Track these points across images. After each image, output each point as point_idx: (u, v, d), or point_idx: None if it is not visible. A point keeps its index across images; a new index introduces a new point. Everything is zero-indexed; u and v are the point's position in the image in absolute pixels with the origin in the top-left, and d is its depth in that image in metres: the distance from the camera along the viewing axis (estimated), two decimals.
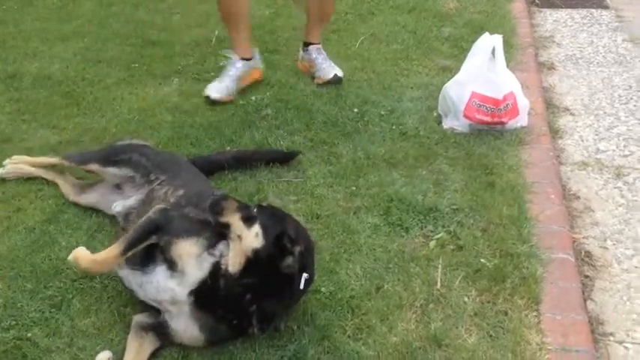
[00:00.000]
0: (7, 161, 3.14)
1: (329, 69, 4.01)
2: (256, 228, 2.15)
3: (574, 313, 2.42)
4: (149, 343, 2.22)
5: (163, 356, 2.23)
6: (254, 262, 2.14)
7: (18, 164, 3.15)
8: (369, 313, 2.39)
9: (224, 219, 2.18)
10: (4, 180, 3.12)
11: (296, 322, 2.33)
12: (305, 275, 2.16)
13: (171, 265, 2.21)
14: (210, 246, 2.21)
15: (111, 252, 2.22)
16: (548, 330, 2.33)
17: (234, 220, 2.17)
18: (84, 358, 2.19)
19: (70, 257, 2.22)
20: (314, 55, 4.06)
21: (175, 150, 3.31)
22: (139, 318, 2.29)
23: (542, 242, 2.74)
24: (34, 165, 3.13)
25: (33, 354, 2.22)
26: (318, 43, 4.10)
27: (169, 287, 2.21)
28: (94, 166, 2.89)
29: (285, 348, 2.24)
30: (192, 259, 2.19)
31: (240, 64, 3.93)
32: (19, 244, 2.71)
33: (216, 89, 3.85)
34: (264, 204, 2.33)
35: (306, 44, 4.10)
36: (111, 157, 2.87)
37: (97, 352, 2.19)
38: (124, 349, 2.20)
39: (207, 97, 3.83)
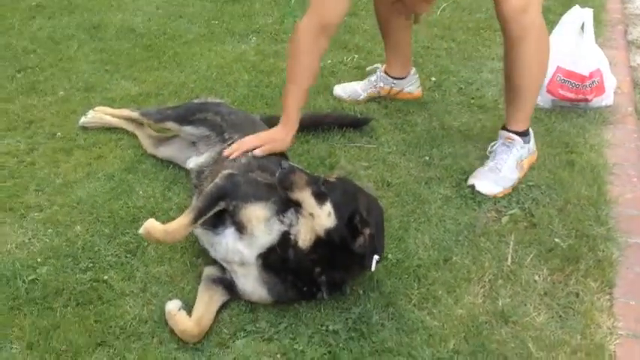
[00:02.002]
0: (90, 111, 3.24)
1: (486, 176, 2.86)
2: (328, 207, 2.15)
3: None
4: (219, 296, 2.28)
5: (231, 307, 2.29)
6: (325, 240, 2.15)
7: (99, 113, 3.24)
8: (436, 284, 2.38)
9: (294, 195, 2.18)
10: (85, 128, 3.23)
11: (362, 286, 2.34)
12: (376, 257, 2.13)
13: (240, 229, 2.25)
14: (280, 211, 2.23)
15: (181, 221, 2.24)
16: (621, 315, 2.27)
17: (306, 197, 2.17)
18: (156, 304, 2.27)
19: (142, 230, 2.23)
20: (495, 146, 2.96)
21: (250, 109, 3.34)
22: (210, 270, 2.34)
23: (619, 225, 2.66)
24: (115, 116, 3.22)
25: (108, 296, 2.31)
26: (512, 132, 2.91)
27: (238, 249, 2.25)
28: (170, 124, 2.94)
29: (349, 311, 2.26)
30: (262, 223, 2.22)
31: (382, 77, 3.51)
32: (98, 190, 2.81)
33: (342, 88, 3.56)
34: (332, 177, 2.27)
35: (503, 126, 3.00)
36: (187, 116, 2.91)
37: (170, 299, 2.26)
38: (194, 299, 2.27)
39: (336, 94, 3.56)
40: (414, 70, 3.54)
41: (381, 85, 3.50)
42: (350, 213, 2.13)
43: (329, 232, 2.14)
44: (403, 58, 3.47)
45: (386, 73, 3.50)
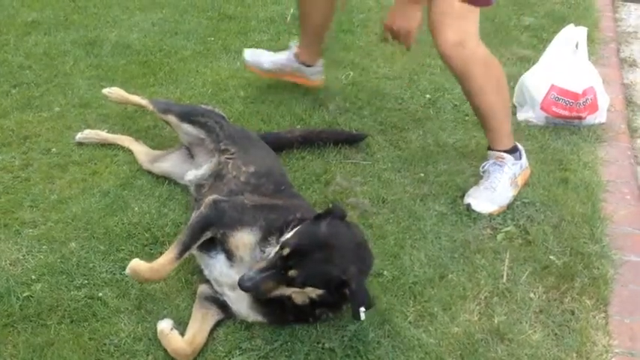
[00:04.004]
0: (106, 89, 3.26)
1: (482, 195, 2.87)
2: (309, 288, 2.10)
3: None
4: (213, 315, 2.27)
5: (227, 325, 2.28)
6: (319, 300, 2.15)
7: (94, 131, 3.25)
8: (432, 301, 2.38)
9: (275, 294, 2.13)
10: (81, 144, 3.22)
11: None
12: (362, 309, 2.05)
13: (230, 256, 2.25)
14: (264, 238, 2.22)
15: (167, 257, 2.22)
16: (616, 333, 2.28)
17: (285, 290, 2.12)
18: (151, 321, 2.25)
19: (128, 271, 2.22)
20: (487, 166, 2.96)
21: (246, 125, 3.34)
22: (204, 288, 2.34)
23: (614, 243, 2.68)
24: (127, 101, 3.25)
25: (102, 313, 2.30)
26: (500, 151, 2.92)
27: (230, 275, 2.25)
28: (171, 118, 2.96)
29: (345, 328, 2.25)
30: (249, 249, 2.23)
31: (293, 60, 3.61)
32: (93, 206, 2.80)
33: (252, 52, 3.67)
34: (290, 246, 2.08)
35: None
36: (190, 115, 2.94)
37: (164, 317, 2.26)
38: (189, 316, 2.26)
39: (244, 58, 3.69)
40: (322, 61, 3.64)
41: (294, 68, 3.61)
42: (335, 285, 2.07)
43: (321, 296, 2.13)
44: (316, 47, 3.56)
45: (296, 56, 3.58)
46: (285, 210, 2.35)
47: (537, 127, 3.41)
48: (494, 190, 2.84)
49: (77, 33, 4.42)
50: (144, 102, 3.14)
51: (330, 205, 2.23)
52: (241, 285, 2.06)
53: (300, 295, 2.14)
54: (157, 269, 2.20)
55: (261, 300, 2.21)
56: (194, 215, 2.38)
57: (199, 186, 2.70)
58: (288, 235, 2.15)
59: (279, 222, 2.25)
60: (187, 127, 2.91)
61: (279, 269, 2.07)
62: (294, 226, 2.20)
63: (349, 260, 2.09)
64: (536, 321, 2.31)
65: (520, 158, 2.92)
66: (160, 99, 3.27)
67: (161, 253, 2.45)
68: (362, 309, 2.05)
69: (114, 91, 3.24)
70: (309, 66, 3.61)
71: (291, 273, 2.05)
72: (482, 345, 2.21)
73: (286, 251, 2.06)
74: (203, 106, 3.21)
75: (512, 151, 2.91)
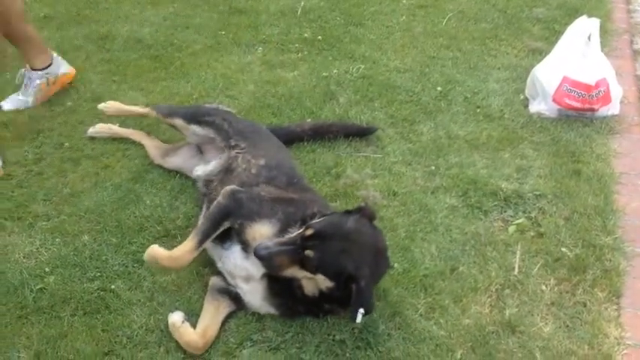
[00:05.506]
0: (102, 105, 3.26)
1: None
2: (320, 277, 2.10)
3: None
4: (224, 307, 2.29)
5: (238, 317, 2.30)
6: (328, 293, 2.15)
7: (106, 125, 3.27)
8: (443, 294, 2.38)
9: (286, 274, 2.13)
10: (93, 138, 3.24)
11: None
12: (361, 311, 2.05)
13: (246, 247, 2.26)
14: (283, 230, 2.23)
15: (186, 246, 2.24)
16: (628, 325, 2.27)
17: (297, 272, 2.13)
18: (163, 313, 2.28)
19: (146, 257, 2.23)
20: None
21: (256, 119, 3.35)
22: (216, 280, 2.35)
23: (626, 235, 2.66)
24: (126, 113, 3.25)
25: (115, 305, 2.32)
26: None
27: (245, 267, 2.27)
28: (178, 121, 2.96)
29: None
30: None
31: (34, 75, 3.54)
32: (106, 199, 2.82)
33: (11, 101, 3.55)
34: (314, 228, 2.10)
35: None
36: (196, 116, 2.94)
37: (176, 309, 2.27)
38: (200, 308, 2.28)
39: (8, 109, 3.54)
40: (54, 53, 3.65)
41: (38, 82, 3.55)
42: (344, 278, 2.06)
43: (330, 289, 2.13)
44: (38, 47, 3.55)
45: (33, 69, 3.55)
46: (302, 204, 2.36)
47: (549, 120, 3.39)
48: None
49: (89, 28, 4.44)
50: (144, 110, 3.14)
51: (363, 204, 2.24)
52: (256, 252, 2.08)
53: (310, 283, 2.15)
54: (177, 257, 2.22)
55: (274, 291, 2.22)
56: (212, 205, 2.38)
57: (208, 181, 2.70)
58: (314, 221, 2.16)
59: (297, 216, 2.26)
60: (195, 128, 2.91)
61: (297, 247, 2.08)
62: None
63: (365, 260, 2.09)
64: (548, 313, 2.30)
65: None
66: (162, 104, 3.26)
67: (173, 246, 2.46)
68: (361, 311, 2.04)
69: (110, 105, 3.24)
70: (49, 66, 3.58)
71: (308, 253, 2.06)
72: (494, 337, 2.21)
73: (309, 231, 2.08)
74: (207, 105, 3.21)
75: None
